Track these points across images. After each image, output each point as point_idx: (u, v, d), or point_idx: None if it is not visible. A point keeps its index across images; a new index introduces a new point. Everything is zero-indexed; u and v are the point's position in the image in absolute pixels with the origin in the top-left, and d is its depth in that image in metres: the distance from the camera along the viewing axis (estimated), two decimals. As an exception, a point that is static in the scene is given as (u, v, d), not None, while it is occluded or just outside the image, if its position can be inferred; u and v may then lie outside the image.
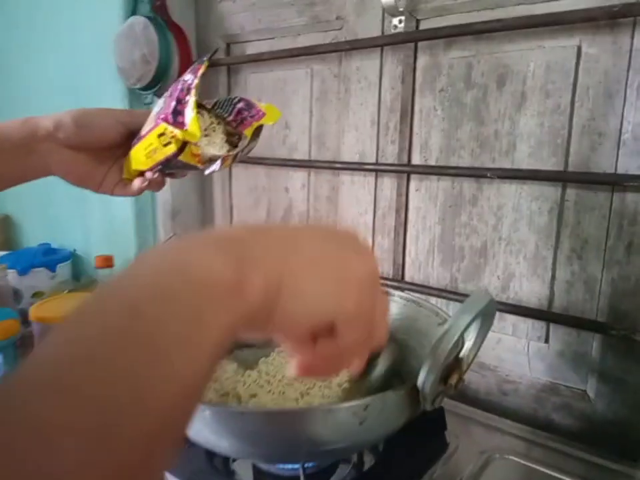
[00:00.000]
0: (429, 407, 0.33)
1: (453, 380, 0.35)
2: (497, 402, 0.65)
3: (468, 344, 0.36)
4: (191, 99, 0.37)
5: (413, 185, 0.70)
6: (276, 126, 0.83)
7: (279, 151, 0.83)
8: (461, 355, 0.36)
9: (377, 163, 0.72)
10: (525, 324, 0.63)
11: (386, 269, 0.73)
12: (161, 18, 0.83)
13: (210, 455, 0.44)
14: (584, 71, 0.55)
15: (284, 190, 0.84)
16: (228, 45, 0.87)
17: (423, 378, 0.31)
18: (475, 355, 0.36)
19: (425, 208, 0.69)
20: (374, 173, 0.72)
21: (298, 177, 0.82)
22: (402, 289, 0.72)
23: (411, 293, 0.70)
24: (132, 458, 0.16)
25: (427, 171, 0.67)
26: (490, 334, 0.64)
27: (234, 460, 0.44)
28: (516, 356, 0.64)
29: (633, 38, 0.52)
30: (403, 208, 0.71)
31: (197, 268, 0.20)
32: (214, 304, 0.19)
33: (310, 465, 0.41)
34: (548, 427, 0.61)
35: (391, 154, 0.70)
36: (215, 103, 0.41)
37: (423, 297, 0.69)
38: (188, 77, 0.37)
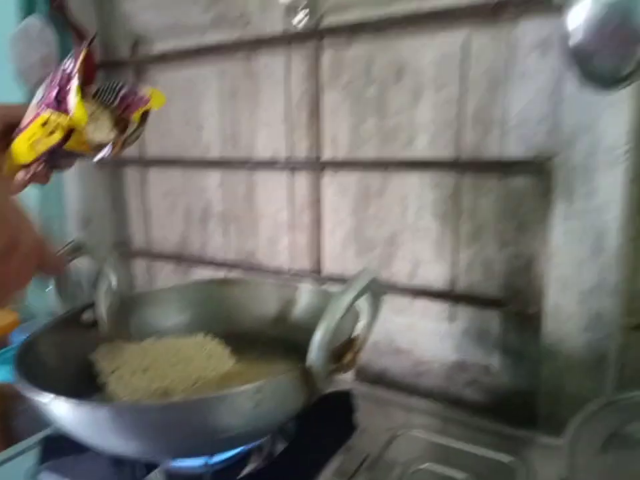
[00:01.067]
0: (321, 386, 0.34)
1: (347, 359, 0.36)
2: (412, 383, 0.68)
3: (361, 323, 0.38)
4: (74, 85, 0.36)
5: (326, 179, 0.72)
6: (189, 126, 0.82)
7: (193, 152, 0.82)
8: (354, 334, 0.37)
9: (289, 160, 0.73)
10: (434, 306, 0.66)
11: (304, 264, 0.75)
12: (60, 17, 0.79)
13: (115, 462, 0.43)
14: (471, 63, 0.59)
15: (200, 190, 0.83)
16: (134, 45, 0.84)
17: (312, 356, 0.32)
18: (368, 333, 0.38)
19: (338, 201, 0.71)
20: (287, 170, 0.73)
21: (213, 177, 0.82)
22: (321, 283, 0.73)
23: (330, 285, 0.72)
24: None
25: (337, 165, 0.69)
26: (403, 319, 0.68)
27: (145, 466, 0.43)
28: (428, 338, 0.67)
29: (513, 30, 0.56)
30: (316, 203, 0.73)
31: None
32: None
33: (219, 459, 0.41)
34: (459, 403, 0.64)
35: (302, 150, 0.72)
36: (98, 90, 0.41)
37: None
38: (68, 63, 0.37)
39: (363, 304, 0.37)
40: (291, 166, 0.73)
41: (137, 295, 0.56)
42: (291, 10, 0.67)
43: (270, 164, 0.74)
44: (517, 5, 0.54)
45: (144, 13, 0.82)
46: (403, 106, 0.63)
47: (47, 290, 0.52)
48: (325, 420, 0.45)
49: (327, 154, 0.71)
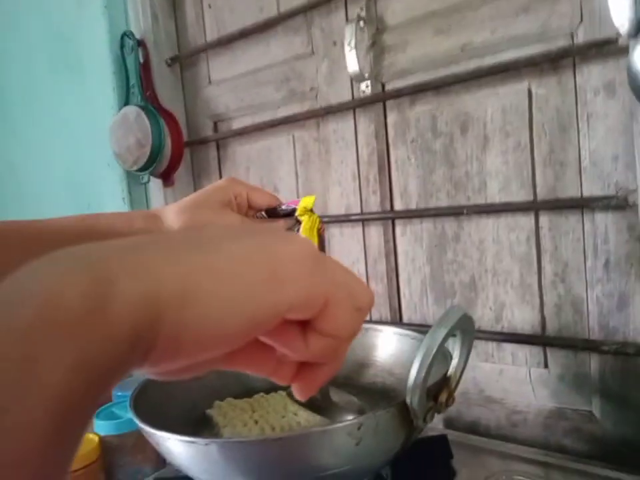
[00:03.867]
0: (420, 424, 0.35)
1: (443, 397, 0.36)
2: (509, 435, 0.65)
3: (454, 362, 0.38)
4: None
5: (399, 229, 0.74)
6: (265, 190, 0.88)
7: (271, 214, 0.88)
8: (448, 373, 0.38)
9: (362, 213, 0.76)
10: (523, 351, 0.64)
11: (383, 313, 0.76)
12: (152, 105, 0.91)
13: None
14: (537, 110, 0.61)
15: (279, 250, 0.88)
16: (215, 123, 0.94)
17: (409, 393, 0.33)
18: (462, 371, 0.38)
19: (413, 250, 0.73)
20: (360, 223, 0.76)
21: (290, 235, 0.86)
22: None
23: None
24: None
25: (409, 214, 0.71)
26: (492, 366, 0.66)
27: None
28: (520, 385, 0.65)
29: (574, 76, 0.58)
30: (392, 253, 0.75)
31: (34, 295, 0.15)
32: (50, 338, 0.14)
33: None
34: (562, 452, 0.60)
35: (374, 203, 0.75)
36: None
37: (421, 336, 0.71)
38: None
39: (455, 342, 0.37)
40: (364, 219, 0.76)
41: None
42: (357, 79, 0.73)
43: (343, 219, 0.78)
44: (577, 52, 0.56)
45: (224, 97, 0.92)
46: (472, 155, 0.65)
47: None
48: (422, 465, 0.45)
49: (398, 205, 0.73)
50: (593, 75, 0.56)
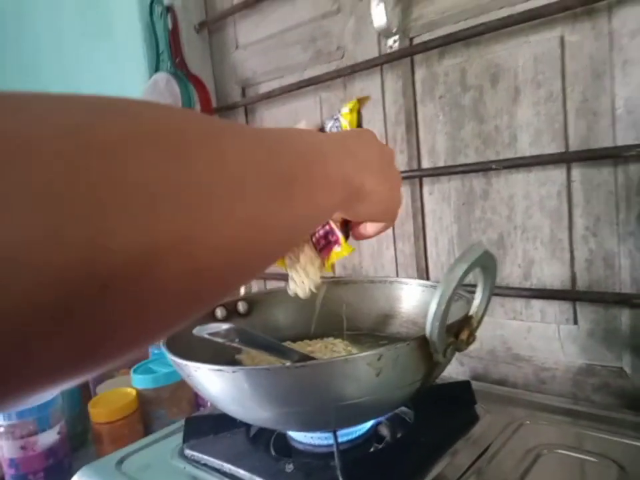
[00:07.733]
0: (440, 359, 0.35)
1: (464, 335, 0.36)
2: (536, 392, 0.65)
3: (475, 302, 0.38)
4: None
5: (426, 189, 0.73)
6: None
7: (299, 177, 0.88)
8: (470, 312, 0.38)
9: (389, 173, 0.75)
10: (552, 308, 0.63)
11: (410, 273, 0.76)
12: (181, 72, 0.92)
13: (251, 439, 0.46)
14: (570, 58, 0.59)
15: (306, 213, 0.89)
16: (243, 89, 0.95)
17: (429, 326, 0.33)
18: (484, 311, 0.38)
19: (440, 209, 0.72)
20: (387, 183, 0.76)
21: (318, 198, 0.86)
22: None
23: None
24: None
25: (437, 172, 0.71)
26: (519, 323, 0.66)
27: (275, 444, 0.46)
28: (548, 342, 0.64)
29: (610, 21, 0.56)
30: (419, 212, 0.74)
31: (333, 169, 0.30)
32: (331, 188, 0.30)
33: (343, 440, 0.42)
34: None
35: (401, 163, 0.74)
36: None
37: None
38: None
39: (476, 281, 0.37)
40: (392, 179, 0.75)
41: (256, 296, 0.61)
42: (384, 34, 0.72)
43: (371, 180, 0.77)
44: (613, -5, 0.54)
45: (251, 60, 0.92)
46: (502, 108, 0.64)
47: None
48: (445, 410, 0.45)
49: (426, 164, 0.73)
50: (629, 17, 0.54)
